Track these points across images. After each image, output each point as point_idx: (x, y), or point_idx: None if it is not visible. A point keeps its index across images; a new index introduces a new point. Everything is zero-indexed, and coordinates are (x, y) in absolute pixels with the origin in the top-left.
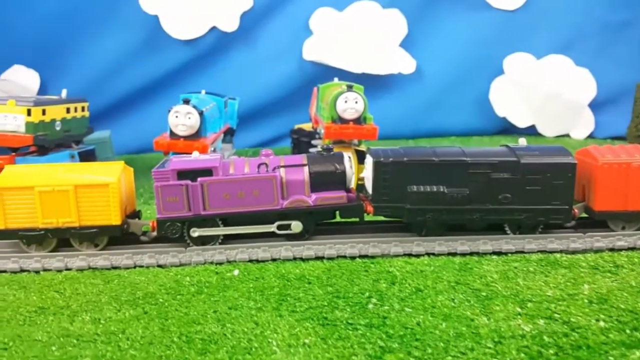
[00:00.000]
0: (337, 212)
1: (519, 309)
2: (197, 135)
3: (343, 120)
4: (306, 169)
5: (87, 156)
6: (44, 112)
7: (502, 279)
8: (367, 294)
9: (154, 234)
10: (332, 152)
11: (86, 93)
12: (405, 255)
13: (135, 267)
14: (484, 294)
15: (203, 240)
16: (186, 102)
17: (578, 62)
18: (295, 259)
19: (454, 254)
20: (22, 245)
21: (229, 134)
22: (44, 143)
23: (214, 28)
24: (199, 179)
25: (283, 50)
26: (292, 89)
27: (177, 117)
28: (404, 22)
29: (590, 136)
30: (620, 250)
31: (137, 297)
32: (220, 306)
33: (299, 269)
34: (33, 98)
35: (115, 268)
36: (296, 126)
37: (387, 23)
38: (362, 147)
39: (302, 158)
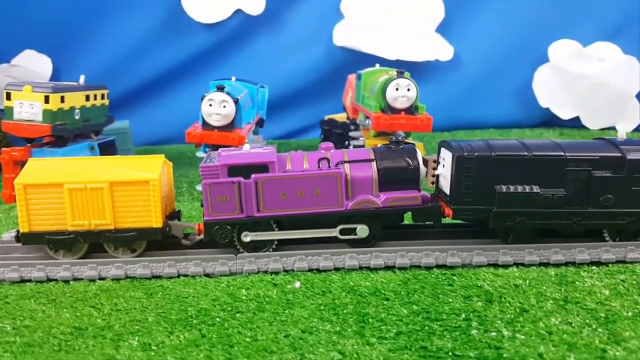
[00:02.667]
0: (403, 216)
1: None
2: (232, 125)
3: (393, 110)
4: (374, 164)
5: (108, 148)
6: (62, 100)
7: (615, 295)
8: (462, 314)
9: (198, 237)
10: (402, 145)
11: (102, 80)
12: (490, 265)
13: (179, 277)
14: (602, 315)
15: (255, 246)
16: (220, 89)
17: (626, 49)
18: (361, 268)
19: (546, 265)
20: (48, 251)
21: (258, 124)
22: (62, 133)
23: (238, 11)
24: (252, 175)
25: (312, 35)
26: (322, 77)
27: (211, 105)
28: (441, 6)
29: (637, 129)
30: None
31: (190, 315)
32: (290, 328)
33: (369, 281)
34: (51, 84)
35: (156, 277)
36: (327, 117)
37: (423, 6)
38: (410, 140)
39: (368, 152)
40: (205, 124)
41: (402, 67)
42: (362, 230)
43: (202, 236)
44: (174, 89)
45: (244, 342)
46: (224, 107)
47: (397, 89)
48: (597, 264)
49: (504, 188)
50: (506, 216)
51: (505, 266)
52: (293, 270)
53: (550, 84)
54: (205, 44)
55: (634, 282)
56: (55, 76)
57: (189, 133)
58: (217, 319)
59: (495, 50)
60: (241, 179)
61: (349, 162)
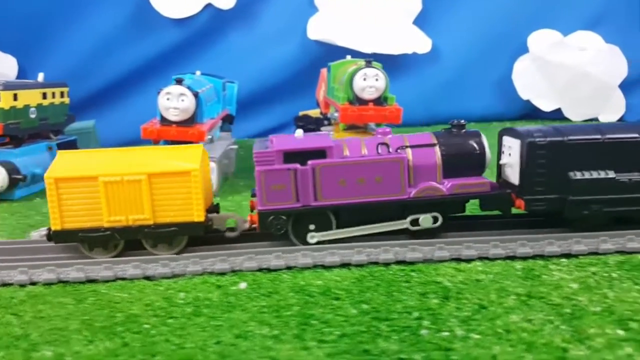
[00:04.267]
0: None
1: (621, 332)
2: (192, 120)
3: (361, 101)
4: (437, 149)
5: (68, 148)
6: (15, 97)
7: (584, 289)
8: (415, 313)
9: (246, 226)
10: (464, 129)
11: (69, 79)
12: (452, 260)
13: (116, 280)
14: (567, 310)
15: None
16: (179, 82)
17: (608, 38)
18: (315, 266)
19: (512, 258)
20: (83, 249)
21: (227, 121)
22: (16, 133)
23: (208, 5)
24: (309, 162)
25: (285, 29)
26: (296, 72)
27: (168, 99)
28: None
29: (621, 120)
30: None
31: (116, 322)
32: (224, 334)
33: (322, 279)
34: (2, 81)
35: (92, 281)
36: (301, 113)
37: None
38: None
39: (430, 136)
40: (163, 119)
41: (379, 60)
42: (426, 220)
43: (249, 227)
44: (144, 86)
45: (169, 350)
46: (182, 100)
47: (364, 79)
48: (568, 256)
49: (578, 174)
50: (582, 204)
51: (469, 260)
52: (241, 271)
53: (530, 76)
54: (176, 40)
55: (606, 274)
56: (21, 76)
57: (145, 129)
58: (146, 326)
59: (473, 41)
60: (297, 165)
61: (410, 147)
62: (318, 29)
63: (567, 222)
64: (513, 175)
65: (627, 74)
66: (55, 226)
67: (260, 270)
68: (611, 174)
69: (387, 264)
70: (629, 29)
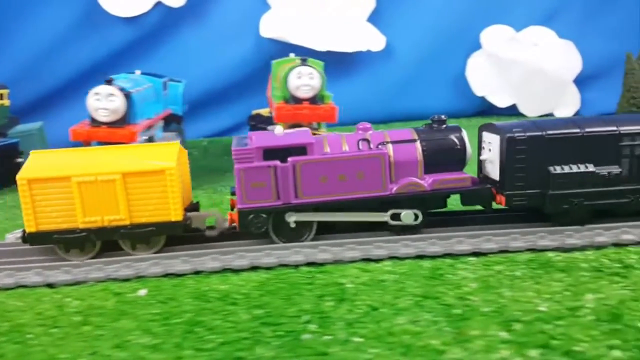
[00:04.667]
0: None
1: (503, 334)
2: (123, 121)
3: (297, 100)
4: (418, 145)
5: (8, 151)
6: None
7: (483, 288)
8: (305, 317)
9: (228, 226)
10: (445, 124)
11: (17, 80)
12: (363, 260)
13: (17, 288)
14: (458, 311)
15: (291, 236)
16: (108, 82)
17: (561, 34)
18: (225, 270)
19: (422, 257)
20: (58, 251)
21: (174, 121)
22: None
23: (158, 3)
24: (289, 159)
25: (238, 27)
26: (249, 70)
27: (97, 99)
28: None
29: (576, 115)
30: (628, 245)
31: (1, 332)
32: (102, 344)
33: (228, 283)
34: None
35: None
36: (254, 112)
37: None
38: (323, 132)
39: (410, 132)
40: (93, 120)
41: (333, 58)
42: (408, 216)
43: (229, 226)
44: (95, 87)
45: None
46: (112, 101)
47: (299, 78)
48: (478, 254)
49: (558, 169)
50: (562, 199)
51: (378, 260)
52: (145, 277)
53: (484, 72)
54: (126, 39)
55: (510, 273)
56: None
57: (74, 130)
58: (29, 336)
59: (427, 38)
60: (277, 162)
61: (391, 142)
62: (271, 27)
63: (548, 216)
64: (493, 171)
65: (582, 69)
66: (30, 228)
67: (167, 275)
68: (591, 168)
69: (296, 266)
70: (583, 23)
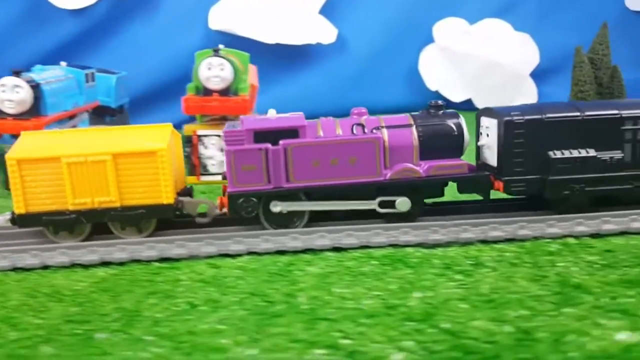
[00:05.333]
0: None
1: (303, 334)
2: (31, 112)
3: (207, 92)
4: (414, 130)
5: None
6: None
7: (317, 285)
8: (115, 315)
9: (218, 212)
10: (442, 110)
11: None
12: (220, 255)
13: None
14: (275, 309)
15: (282, 221)
16: (16, 73)
17: (517, 26)
18: (74, 265)
19: (283, 252)
20: (47, 234)
21: (108, 113)
22: None
23: None
24: (281, 141)
25: (187, 19)
26: None
27: (3, 91)
28: None
29: None
30: (496, 242)
31: None
32: None
33: (71, 279)
34: None
35: None
36: None
37: None
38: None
39: (406, 117)
40: (1, 112)
41: (282, 51)
42: (403, 204)
43: (220, 212)
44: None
45: None
46: (17, 92)
47: (209, 69)
48: (339, 249)
49: (558, 153)
50: (563, 184)
51: (236, 255)
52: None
53: (437, 65)
54: (73, 32)
55: (357, 269)
56: None
57: None
58: None
59: (380, 31)
60: (269, 145)
61: (386, 127)
62: (219, 19)
63: (548, 203)
64: (491, 156)
65: (539, 62)
66: (19, 210)
67: (15, 269)
68: (592, 153)
69: (149, 261)
70: (539, 16)
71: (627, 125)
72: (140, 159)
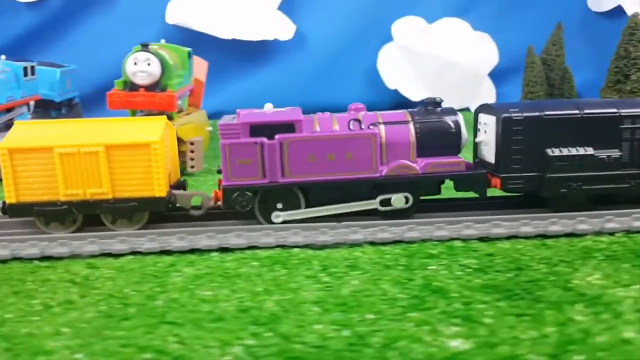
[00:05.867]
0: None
1: (139, 339)
2: None
3: (134, 87)
4: (411, 126)
5: None
6: None
7: (184, 288)
8: None
9: (212, 205)
10: (440, 106)
11: None
12: (103, 255)
13: None
14: (126, 311)
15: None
16: None
17: (476, 26)
18: None
19: (168, 252)
20: (38, 224)
21: (52, 107)
22: None
23: None
24: (277, 136)
25: (144, 12)
26: None
27: None
28: None
29: None
30: (384, 243)
31: None
32: None
33: None
34: None
35: None
36: None
37: None
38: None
39: (404, 114)
40: None
41: (239, 46)
42: (398, 200)
43: (215, 204)
44: None
45: None
46: None
47: (135, 64)
48: (226, 249)
49: (556, 151)
50: (560, 182)
51: (120, 255)
52: None
53: (396, 64)
54: (31, 25)
55: (234, 269)
56: None
57: None
58: None
59: (340, 29)
60: (264, 139)
61: (383, 123)
62: (176, 13)
63: (545, 201)
64: (489, 153)
65: (498, 62)
66: (10, 199)
67: None
68: (590, 151)
69: (31, 259)
70: (499, 15)
71: (625, 124)
72: (134, 151)
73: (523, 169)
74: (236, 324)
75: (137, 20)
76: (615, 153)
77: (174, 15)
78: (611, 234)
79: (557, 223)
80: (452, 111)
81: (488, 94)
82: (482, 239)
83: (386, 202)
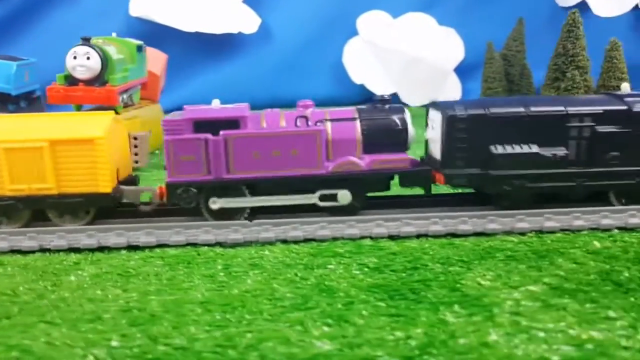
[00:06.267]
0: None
1: None
2: None
3: (73, 81)
4: (358, 123)
5: None
6: None
7: (77, 287)
8: None
9: (158, 202)
10: (388, 105)
11: None
12: (12, 252)
13: None
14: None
15: (225, 214)
16: None
17: (442, 20)
18: None
19: (78, 250)
20: None
21: (10, 101)
22: None
23: None
24: (221, 132)
25: (107, 5)
26: None
27: None
28: None
29: None
30: (296, 242)
31: None
32: None
33: None
34: None
35: None
36: None
37: None
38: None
39: (352, 111)
40: None
41: (202, 39)
42: (344, 197)
43: (161, 201)
44: None
45: None
46: None
47: (74, 58)
48: (136, 248)
49: (499, 149)
50: (504, 180)
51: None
52: None
53: (362, 59)
54: None
55: (126, 268)
56: None
57: None
58: None
59: (305, 23)
60: (209, 135)
61: (330, 120)
62: (140, 6)
63: (490, 198)
64: (436, 150)
65: (464, 58)
66: None
67: None
68: (535, 149)
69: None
70: (465, 10)
71: (572, 122)
72: (78, 146)
73: (467, 165)
74: (111, 324)
75: (100, 13)
76: (561, 151)
77: (137, 8)
78: (522, 233)
79: (467, 222)
80: (399, 109)
81: (454, 89)
82: (392, 238)
83: (332, 199)
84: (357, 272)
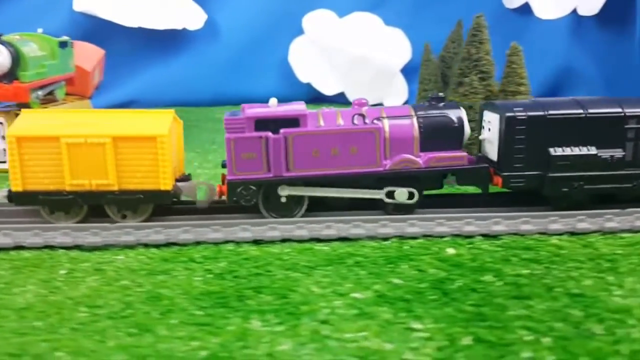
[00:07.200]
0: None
1: None
2: None
3: None
4: (415, 120)
5: None
6: None
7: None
8: None
9: (216, 199)
10: (443, 102)
11: None
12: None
13: None
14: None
15: (282, 210)
16: None
17: (388, 21)
18: None
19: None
20: (43, 214)
21: None
22: None
23: None
24: (281, 130)
25: (50, 0)
26: None
27: None
28: None
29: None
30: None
31: None
32: None
33: None
34: None
35: None
36: None
37: None
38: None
39: (408, 108)
40: None
41: (145, 35)
42: (401, 194)
43: (220, 198)
44: None
45: None
46: None
47: None
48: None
49: (558, 151)
50: (562, 181)
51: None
52: None
53: (308, 58)
54: None
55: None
56: None
57: None
58: None
59: (252, 20)
60: (269, 133)
61: (387, 118)
62: (83, 1)
63: (546, 200)
64: (492, 151)
65: (411, 58)
66: (16, 187)
67: None
68: (593, 150)
69: None
70: (412, 10)
71: (630, 124)
72: (140, 143)
73: (525, 167)
74: None
75: (43, 8)
76: (618, 153)
77: (81, 3)
78: (385, 239)
79: (331, 227)
80: (455, 106)
81: (401, 90)
82: (257, 242)
83: (390, 196)
84: (199, 278)
